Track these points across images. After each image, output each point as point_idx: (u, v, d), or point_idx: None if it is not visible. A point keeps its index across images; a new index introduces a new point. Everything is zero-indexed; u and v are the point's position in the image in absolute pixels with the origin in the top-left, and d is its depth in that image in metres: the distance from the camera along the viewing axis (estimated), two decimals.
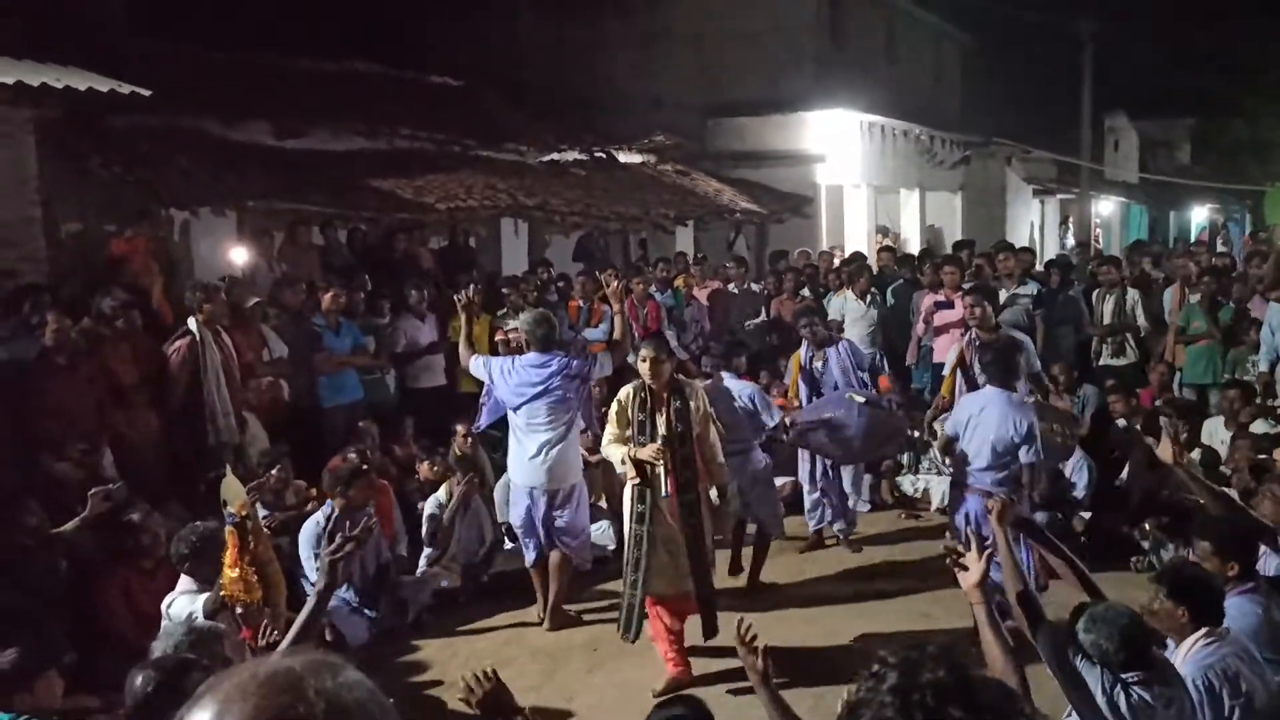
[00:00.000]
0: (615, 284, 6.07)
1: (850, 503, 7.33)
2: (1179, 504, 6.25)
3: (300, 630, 3.03)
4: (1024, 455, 5.23)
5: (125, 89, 7.29)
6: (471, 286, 6.29)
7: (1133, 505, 6.86)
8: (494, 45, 16.35)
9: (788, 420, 6.55)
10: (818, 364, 6.99)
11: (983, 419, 5.27)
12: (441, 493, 6.46)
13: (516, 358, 5.79)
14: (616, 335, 5.93)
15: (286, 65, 12.15)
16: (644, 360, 5.06)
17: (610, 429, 5.20)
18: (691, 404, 5.07)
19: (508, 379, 5.65)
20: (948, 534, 4.75)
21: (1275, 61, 25.64)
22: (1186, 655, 3.28)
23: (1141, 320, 9.22)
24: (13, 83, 6.67)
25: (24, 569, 5.05)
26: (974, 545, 3.11)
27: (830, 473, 7.08)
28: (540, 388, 5.56)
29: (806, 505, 7.22)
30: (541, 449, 5.60)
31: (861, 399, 6.36)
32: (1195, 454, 6.64)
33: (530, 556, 5.90)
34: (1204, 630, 3.31)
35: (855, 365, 6.95)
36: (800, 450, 7.20)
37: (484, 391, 5.96)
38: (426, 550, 6.39)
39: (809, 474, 7.12)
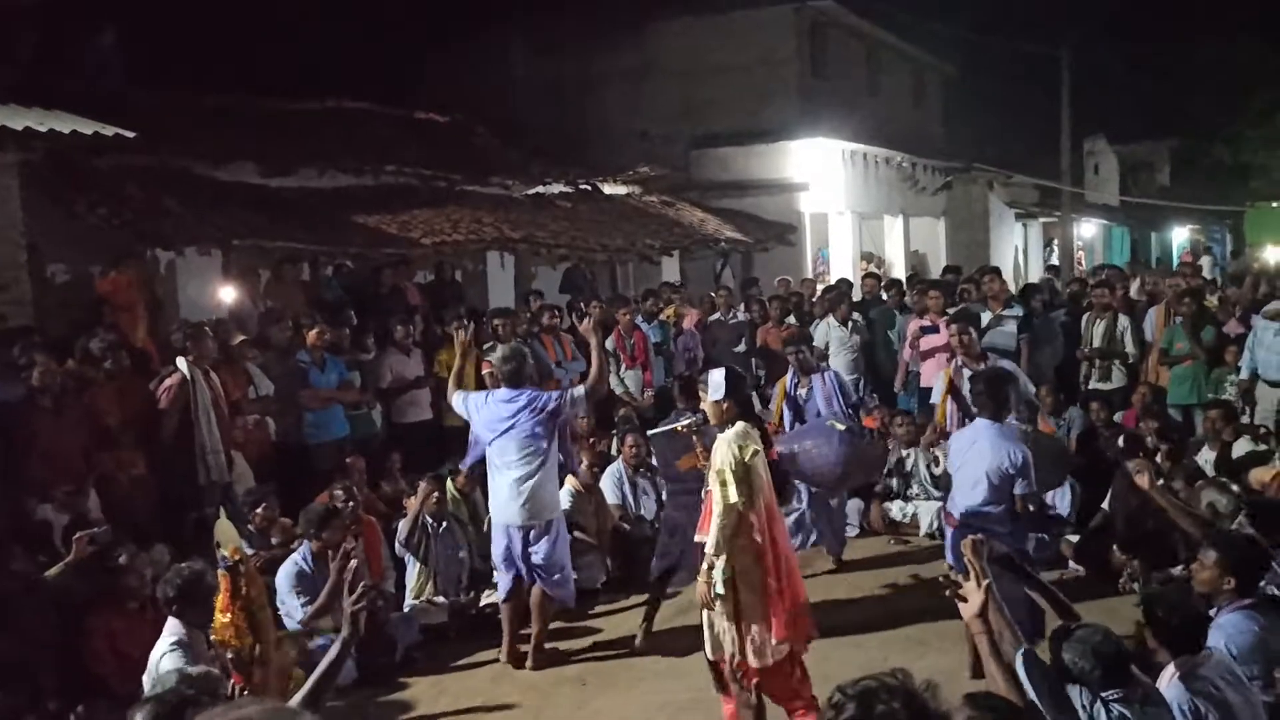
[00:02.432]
0: (589, 319, 5.99)
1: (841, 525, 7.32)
2: (1163, 531, 6.28)
3: (321, 679, 3.01)
4: (1018, 488, 5.17)
5: (109, 131, 7.35)
6: (470, 323, 6.28)
7: (1119, 527, 6.88)
8: (483, 82, 16.54)
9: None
10: (801, 391, 7.04)
11: (974, 452, 5.22)
12: (411, 510, 6.47)
13: (491, 392, 5.80)
14: (593, 372, 5.80)
15: (273, 104, 12.24)
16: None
17: None
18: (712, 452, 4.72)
19: (481, 414, 5.67)
20: (949, 568, 4.56)
21: (1255, 83, 26.06)
22: (1169, 682, 3.31)
23: (1130, 347, 9.27)
24: None
25: (9, 614, 5.01)
26: (973, 575, 3.11)
27: (810, 494, 7.04)
28: (509, 423, 5.56)
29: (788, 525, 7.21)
30: (513, 485, 5.59)
31: (842, 427, 6.32)
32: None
33: (502, 590, 5.84)
34: (1177, 660, 3.33)
35: (840, 395, 6.94)
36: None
37: (472, 427, 5.97)
38: (410, 565, 6.33)
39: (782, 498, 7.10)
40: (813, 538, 7.21)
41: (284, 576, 5.67)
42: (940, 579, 3.21)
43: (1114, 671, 3.08)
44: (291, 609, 5.57)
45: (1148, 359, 9.30)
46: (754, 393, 9.31)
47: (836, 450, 6.11)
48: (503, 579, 5.83)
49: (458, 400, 5.81)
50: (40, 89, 8.00)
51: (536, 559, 5.70)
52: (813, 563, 7.15)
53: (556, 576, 5.77)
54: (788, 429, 6.94)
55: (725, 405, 4.64)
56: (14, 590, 5.14)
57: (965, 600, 3.06)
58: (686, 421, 5.21)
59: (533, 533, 5.68)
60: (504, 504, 5.65)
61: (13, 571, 5.25)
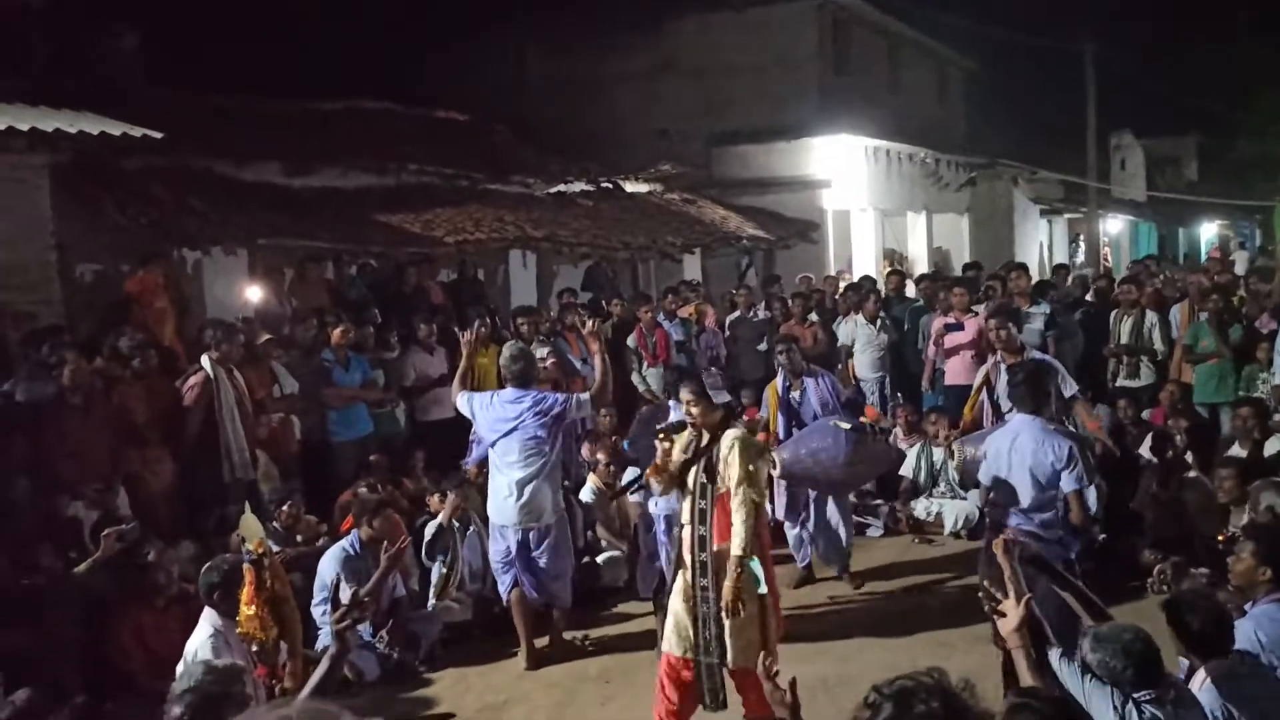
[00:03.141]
0: (592, 324, 5.90)
1: (843, 536, 6.80)
2: (1190, 535, 6.22)
3: (313, 691, 3.06)
4: (1066, 483, 4.85)
5: (137, 132, 7.43)
6: (477, 323, 6.26)
7: (1147, 527, 6.82)
8: (500, 82, 16.56)
9: (773, 455, 6.13)
10: (795, 394, 6.73)
11: (1017, 449, 4.92)
12: (440, 516, 6.50)
13: (496, 393, 5.76)
14: (597, 379, 5.73)
15: (296, 105, 12.32)
16: (684, 401, 4.77)
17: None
18: (722, 454, 4.51)
19: (485, 414, 5.63)
20: (985, 581, 4.33)
21: (1261, 84, 25.73)
22: (1200, 686, 3.27)
23: (1159, 344, 9.15)
24: (27, 129, 6.81)
25: (39, 610, 5.08)
26: (1011, 591, 3.06)
27: (812, 506, 6.66)
28: (513, 424, 5.52)
29: (790, 541, 6.78)
30: (514, 487, 5.54)
31: (846, 425, 6.13)
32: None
33: (503, 593, 5.83)
34: (1208, 665, 3.29)
35: (835, 397, 6.72)
36: (777, 483, 6.60)
37: (474, 428, 5.96)
38: (434, 570, 6.37)
39: (788, 508, 6.68)
40: (819, 547, 6.85)
41: (330, 559, 5.76)
42: (979, 594, 3.15)
43: (1146, 671, 3.04)
44: (342, 591, 5.63)
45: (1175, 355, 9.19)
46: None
47: (844, 449, 5.98)
48: (502, 580, 5.82)
49: (462, 400, 5.77)
50: (59, 90, 8.07)
51: (541, 562, 5.68)
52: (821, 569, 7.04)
53: (560, 581, 5.79)
54: (783, 435, 6.63)
55: (720, 408, 4.64)
56: (44, 587, 5.21)
57: (1004, 615, 3.01)
58: (668, 424, 5.08)
59: (532, 535, 5.64)
60: (503, 506, 5.63)
61: (42, 568, 5.31)
